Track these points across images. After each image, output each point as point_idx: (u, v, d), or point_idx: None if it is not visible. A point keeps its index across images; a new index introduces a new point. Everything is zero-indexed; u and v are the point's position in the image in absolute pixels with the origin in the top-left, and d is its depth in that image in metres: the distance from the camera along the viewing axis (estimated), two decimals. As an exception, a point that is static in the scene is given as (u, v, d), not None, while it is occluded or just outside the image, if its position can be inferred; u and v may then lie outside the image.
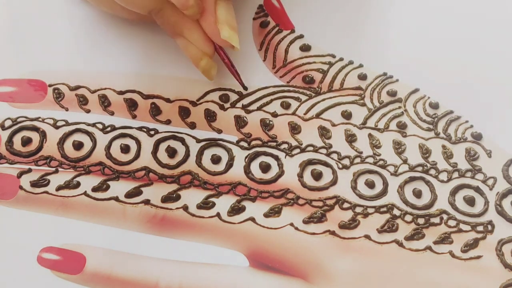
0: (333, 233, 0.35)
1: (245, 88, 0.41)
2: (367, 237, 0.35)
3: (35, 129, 0.39)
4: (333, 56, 0.42)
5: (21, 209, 0.36)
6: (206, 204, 0.36)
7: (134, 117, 0.40)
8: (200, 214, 0.36)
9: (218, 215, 0.36)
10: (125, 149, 0.38)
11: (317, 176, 0.37)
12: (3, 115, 0.40)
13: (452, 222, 0.36)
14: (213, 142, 0.39)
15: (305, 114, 0.40)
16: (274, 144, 0.39)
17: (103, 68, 0.42)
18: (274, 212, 0.36)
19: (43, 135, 0.39)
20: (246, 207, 0.36)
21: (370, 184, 0.37)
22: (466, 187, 0.37)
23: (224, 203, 0.36)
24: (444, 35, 0.43)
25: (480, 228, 0.36)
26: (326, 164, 0.38)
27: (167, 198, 0.36)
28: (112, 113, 0.40)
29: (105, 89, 0.41)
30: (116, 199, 0.36)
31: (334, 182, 0.37)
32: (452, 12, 0.45)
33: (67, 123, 0.40)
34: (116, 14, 0.43)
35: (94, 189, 0.37)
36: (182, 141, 0.39)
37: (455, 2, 0.45)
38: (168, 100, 0.41)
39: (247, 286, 0.34)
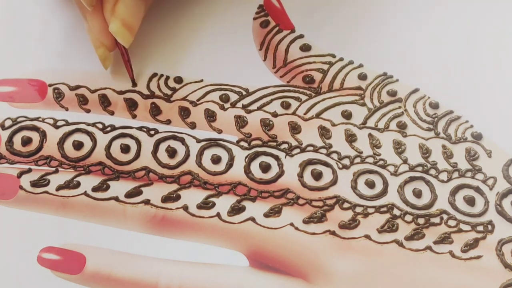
0: (333, 233, 0.35)
1: (134, 84, 0.41)
2: (367, 237, 0.35)
3: (35, 129, 0.39)
4: (333, 56, 0.42)
5: (21, 209, 0.36)
6: (206, 204, 0.36)
7: (134, 117, 0.40)
8: (200, 214, 0.36)
9: (218, 215, 0.36)
10: (125, 149, 0.38)
11: (317, 176, 0.37)
12: (3, 115, 0.40)
13: (452, 222, 0.36)
14: (213, 142, 0.39)
15: (305, 114, 0.40)
16: (274, 144, 0.39)
17: (103, 68, 0.41)
18: (274, 212, 0.36)
19: (43, 135, 0.39)
20: (246, 207, 0.36)
21: (370, 184, 0.37)
22: (466, 187, 0.37)
23: (224, 203, 0.36)
24: (444, 35, 0.43)
25: (480, 228, 0.36)
26: (326, 164, 0.38)
27: (167, 198, 0.36)
28: (112, 113, 0.40)
29: (105, 88, 0.41)
30: (116, 199, 0.36)
31: (334, 182, 0.37)
32: (452, 12, 0.45)
33: (67, 123, 0.40)
34: None
35: (94, 189, 0.37)
36: (182, 141, 0.39)
37: (455, 2, 0.45)
38: (168, 100, 0.41)
39: (247, 286, 0.34)
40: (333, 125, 0.40)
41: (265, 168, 0.38)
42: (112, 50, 0.41)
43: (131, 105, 0.40)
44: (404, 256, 0.35)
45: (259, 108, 0.40)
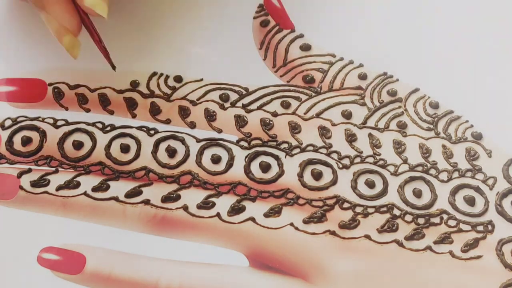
0: (333, 233, 0.35)
1: (114, 68, 0.40)
2: (367, 237, 0.35)
3: (35, 128, 0.39)
4: (333, 56, 0.42)
5: (21, 209, 0.36)
6: (206, 204, 0.36)
7: (134, 116, 0.40)
8: (200, 214, 0.36)
9: (218, 215, 0.36)
10: (125, 148, 0.38)
11: (317, 176, 0.37)
12: (3, 115, 0.40)
13: (452, 222, 0.36)
14: (213, 142, 0.39)
15: (305, 113, 0.40)
16: (274, 143, 0.39)
17: (103, 67, 0.41)
18: (274, 212, 0.36)
19: (43, 134, 0.39)
20: (246, 207, 0.36)
21: (370, 184, 0.37)
22: (466, 187, 0.37)
23: (224, 203, 0.36)
24: (444, 35, 0.43)
25: (480, 228, 0.36)
26: (326, 164, 0.38)
27: (167, 198, 0.36)
28: (111, 112, 0.40)
29: (104, 88, 0.41)
30: (116, 199, 0.36)
31: (334, 182, 0.37)
32: (452, 11, 0.45)
33: (67, 123, 0.40)
34: None
35: (94, 189, 0.37)
36: (182, 140, 0.39)
37: (456, 2, 0.45)
38: (168, 99, 0.41)
39: (247, 286, 0.34)
40: (333, 125, 0.40)
41: (265, 168, 0.38)
42: (78, 34, 0.39)
43: (131, 105, 0.40)
44: (404, 256, 0.35)
45: (259, 108, 0.40)
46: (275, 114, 0.40)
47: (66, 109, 0.40)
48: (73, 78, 0.41)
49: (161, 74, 0.42)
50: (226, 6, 0.45)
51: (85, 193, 0.37)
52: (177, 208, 0.36)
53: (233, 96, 0.41)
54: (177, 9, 0.45)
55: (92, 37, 0.40)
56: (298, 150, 0.39)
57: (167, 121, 0.40)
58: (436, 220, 0.36)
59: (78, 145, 0.38)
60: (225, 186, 0.37)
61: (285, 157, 0.38)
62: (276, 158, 0.38)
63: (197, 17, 0.45)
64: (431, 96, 0.40)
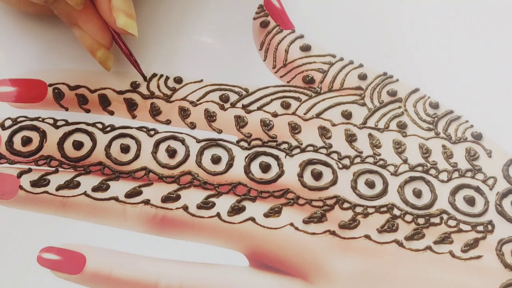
0: (333, 233, 0.35)
1: (145, 79, 0.41)
2: (367, 237, 0.35)
3: (35, 128, 0.39)
4: (333, 56, 0.43)
5: (21, 209, 0.36)
6: (206, 204, 0.36)
7: (134, 117, 0.40)
8: (200, 214, 0.36)
9: (218, 215, 0.36)
10: (125, 149, 0.38)
11: (317, 176, 0.37)
12: (3, 115, 0.40)
13: (452, 222, 0.36)
14: (213, 142, 0.39)
15: (305, 114, 0.40)
16: (274, 144, 0.39)
17: (105, 69, 0.41)
18: (274, 212, 0.36)
19: (43, 134, 0.39)
20: (246, 207, 0.36)
21: (370, 184, 0.37)
22: (466, 187, 0.37)
23: (224, 203, 0.36)
24: (444, 35, 0.44)
25: (480, 228, 0.36)
26: (326, 164, 0.38)
27: (167, 198, 0.36)
28: (112, 113, 0.40)
29: (105, 88, 0.41)
30: (116, 199, 0.36)
31: (334, 182, 0.37)
32: (452, 11, 0.45)
33: (67, 123, 0.40)
34: (14, 8, 0.43)
35: (94, 189, 0.37)
36: (182, 141, 0.39)
37: (456, 2, 0.45)
38: (168, 100, 0.41)
39: (247, 286, 0.34)
40: (333, 125, 0.40)
41: (265, 168, 0.38)
42: (110, 47, 0.40)
43: (131, 105, 0.40)
44: (404, 256, 0.35)
45: (259, 108, 0.40)
46: (275, 115, 0.40)
47: (66, 109, 0.40)
48: (73, 78, 0.42)
49: (161, 75, 0.42)
50: (226, 7, 0.45)
51: (85, 193, 0.37)
52: (177, 208, 0.36)
53: (233, 97, 0.41)
54: (177, 11, 0.45)
55: (123, 51, 0.41)
56: (298, 150, 0.39)
57: (167, 122, 0.40)
58: (436, 220, 0.36)
59: (78, 145, 0.38)
60: (225, 186, 0.37)
61: (285, 157, 0.38)
62: (276, 158, 0.38)
63: (197, 19, 0.45)
64: (431, 96, 0.41)
